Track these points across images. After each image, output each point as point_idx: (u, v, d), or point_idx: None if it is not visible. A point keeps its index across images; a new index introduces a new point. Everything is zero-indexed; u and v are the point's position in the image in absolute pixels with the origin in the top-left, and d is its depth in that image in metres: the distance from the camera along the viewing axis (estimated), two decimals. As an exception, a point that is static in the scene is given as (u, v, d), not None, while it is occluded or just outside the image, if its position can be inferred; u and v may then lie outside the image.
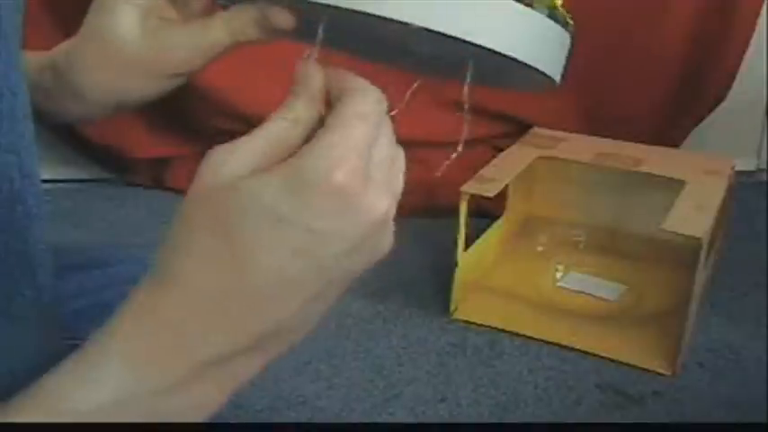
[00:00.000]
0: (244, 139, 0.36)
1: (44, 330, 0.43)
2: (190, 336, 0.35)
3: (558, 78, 0.44)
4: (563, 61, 0.44)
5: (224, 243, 0.34)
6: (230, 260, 0.34)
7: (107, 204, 1.41)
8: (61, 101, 0.53)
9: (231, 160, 0.35)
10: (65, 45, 0.53)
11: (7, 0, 0.41)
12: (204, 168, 0.35)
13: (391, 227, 0.37)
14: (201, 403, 0.37)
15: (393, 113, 0.41)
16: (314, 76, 0.37)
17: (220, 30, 0.48)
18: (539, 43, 0.41)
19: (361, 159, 0.34)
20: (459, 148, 0.44)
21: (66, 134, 1.41)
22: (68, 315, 0.41)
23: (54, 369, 0.36)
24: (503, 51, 0.38)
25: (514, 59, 0.39)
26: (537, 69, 0.41)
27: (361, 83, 0.37)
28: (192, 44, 0.49)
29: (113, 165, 1.46)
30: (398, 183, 0.38)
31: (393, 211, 0.37)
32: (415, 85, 0.46)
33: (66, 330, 0.44)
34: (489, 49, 0.38)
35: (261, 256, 0.34)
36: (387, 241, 0.37)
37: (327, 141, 0.34)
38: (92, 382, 0.35)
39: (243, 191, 0.34)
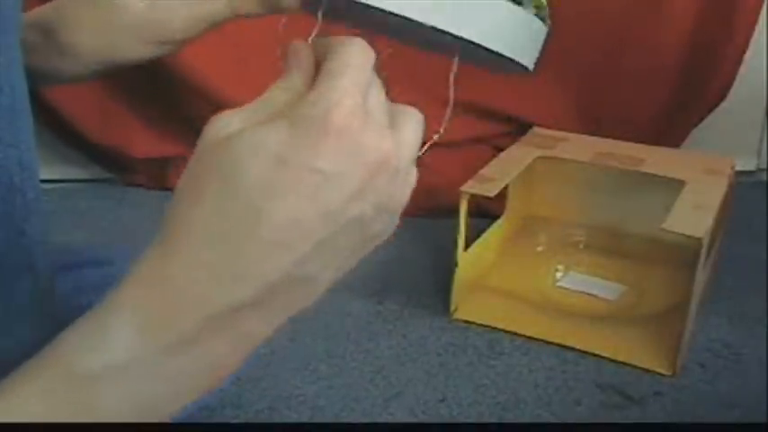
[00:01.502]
0: (244, 105, 0.37)
1: (40, 321, 0.43)
2: (198, 288, 0.35)
3: (531, 66, 0.46)
4: (538, 48, 0.46)
5: (231, 190, 0.34)
6: (238, 206, 0.34)
7: (107, 204, 1.41)
8: (48, 58, 0.54)
9: (233, 120, 0.36)
10: (54, 3, 0.54)
11: (12, 13, 0.41)
12: (206, 130, 0.36)
13: (403, 176, 0.37)
14: (214, 362, 0.36)
15: (435, 137, 0.43)
16: (302, 49, 0.39)
17: (220, 1, 0.49)
18: (509, 34, 0.43)
19: (353, 102, 0.35)
20: (442, 130, 0.45)
21: (66, 134, 1.41)
22: (67, 313, 0.41)
23: (64, 333, 0.35)
24: (479, 42, 0.41)
25: (489, 50, 0.42)
26: (511, 59, 0.43)
27: (344, 38, 0.38)
28: (191, 14, 0.51)
29: (113, 165, 1.46)
30: (407, 132, 0.38)
31: (402, 160, 0.37)
32: (449, 111, 0.47)
33: (64, 326, 0.44)
34: (466, 41, 0.41)
35: (268, 200, 0.34)
36: (399, 191, 0.37)
37: (319, 90, 0.35)
38: (102, 343, 0.35)
39: (247, 138, 0.35)
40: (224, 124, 0.36)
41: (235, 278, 0.35)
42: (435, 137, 0.45)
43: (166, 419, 0.36)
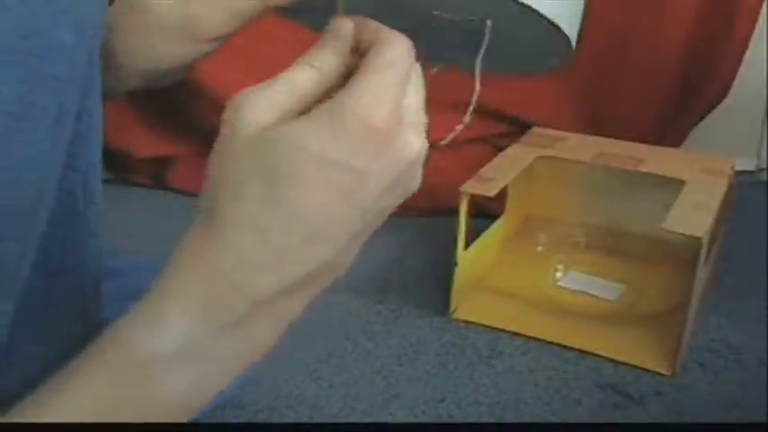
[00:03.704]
0: (268, 84, 0.38)
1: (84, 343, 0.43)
2: (242, 278, 0.37)
3: (573, 44, 0.45)
4: (578, 26, 0.46)
5: (274, 186, 0.36)
6: (280, 203, 0.36)
7: (107, 204, 1.40)
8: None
9: (261, 106, 0.37)
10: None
11: (93, 25, 0.41)
12: (235, 116, 0.37)
13: (421, 167, 0.40)
14: (257, 343, 0.39)
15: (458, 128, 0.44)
16: (344, 26, 0.39)
17: None
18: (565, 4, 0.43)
19: (394, 103, 0.37)
20: (466, 119, 0.48)
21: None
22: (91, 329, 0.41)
23: (119, 321, 0.37)
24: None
25: (539, 13, 0.41)
26: (558, 28, 0.43)
27: (390, 33, 0.39)
28: (223, 10, 0.50)
29: (113, 165, 1.46)
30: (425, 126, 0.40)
31: (424, 152, 0.39)
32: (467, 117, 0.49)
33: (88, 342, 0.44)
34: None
35: (309, 197, 0.36)
36: (417, 180, 0.40)
37: (362, 87, 0.37)
38: (158, 330, 0.36)
39: (291, 137, 0.36)
40: (253, 113, 0.37)
41: (278, 266, 0.37)
42: (459, 127, 0.46)
43: (208, 402, 0.38)
